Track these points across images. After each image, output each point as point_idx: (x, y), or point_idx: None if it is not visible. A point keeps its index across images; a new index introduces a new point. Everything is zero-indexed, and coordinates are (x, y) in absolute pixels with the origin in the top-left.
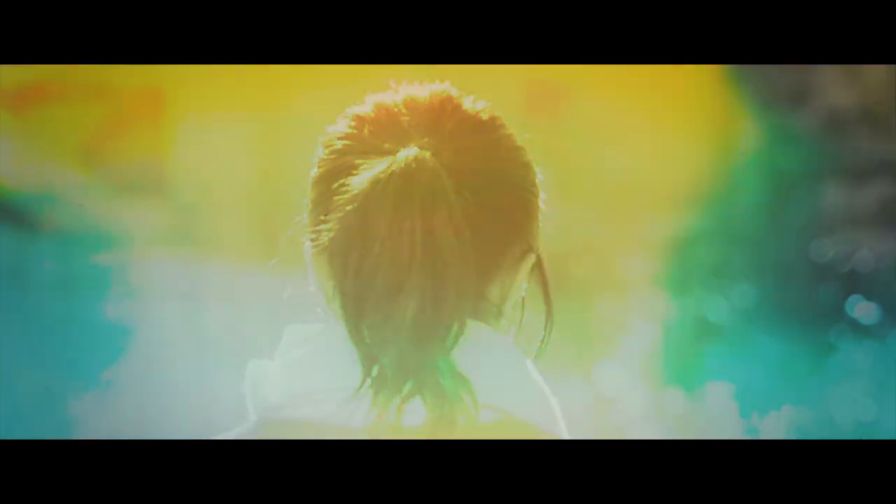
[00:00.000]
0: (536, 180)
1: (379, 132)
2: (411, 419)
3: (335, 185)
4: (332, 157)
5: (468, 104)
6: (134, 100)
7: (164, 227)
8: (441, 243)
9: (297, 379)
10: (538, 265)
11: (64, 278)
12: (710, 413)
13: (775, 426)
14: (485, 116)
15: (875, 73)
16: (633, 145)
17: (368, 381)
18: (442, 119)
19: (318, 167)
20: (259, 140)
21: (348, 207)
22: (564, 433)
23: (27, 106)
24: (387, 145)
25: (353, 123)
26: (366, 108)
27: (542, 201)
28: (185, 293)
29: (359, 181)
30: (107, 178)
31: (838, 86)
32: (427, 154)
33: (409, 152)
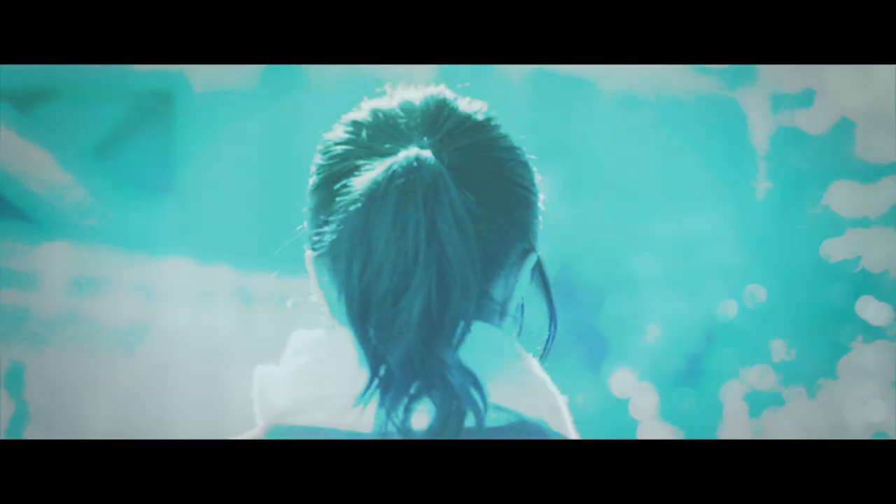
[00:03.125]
0: (535, 179)
1: (377, 135)
2: (420, 420)
3: (336, 186)
4: (332, 162)
5: (464, 105)
6: (144, 100)
7: (175, 229)
8: (445, 240)
9: (304, 384)
10: (539, 266)
11: (73, 278)
12: (721, 413)
13: (786, 426)
14: (480, 117)
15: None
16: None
17: (376, 381)
18: (439, 121)
19: (317, 174)
20: (270, 143)
21: (351, 208)
22: (571, 431)
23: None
24: (387, 146)
25: (350, 129)
26: (362, 113)
27: (542, 202)
28: (196, 295)
29: (360, 182)
30: (118, 179)
31: (849, 86)
32: (428, 152)
33: (410, 151)
